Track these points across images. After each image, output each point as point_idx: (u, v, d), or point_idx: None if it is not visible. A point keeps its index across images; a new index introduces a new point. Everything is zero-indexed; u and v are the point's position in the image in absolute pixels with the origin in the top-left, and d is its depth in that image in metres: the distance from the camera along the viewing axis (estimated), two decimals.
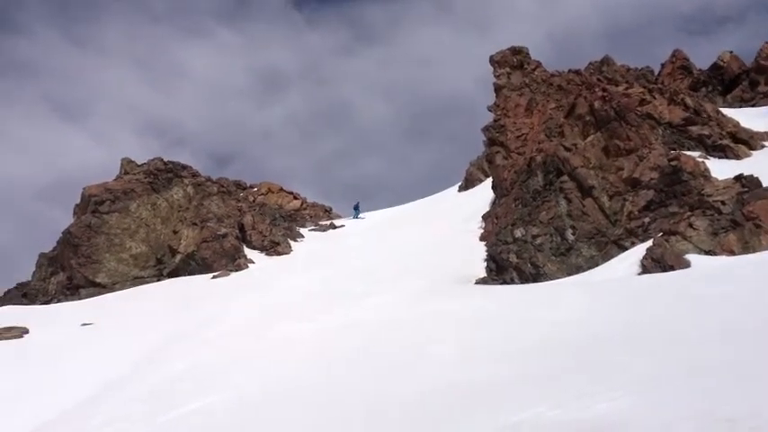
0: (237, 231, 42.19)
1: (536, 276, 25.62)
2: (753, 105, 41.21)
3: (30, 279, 42.23)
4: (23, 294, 40.48)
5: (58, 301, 37.35)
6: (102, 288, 37.72)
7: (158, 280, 38.75)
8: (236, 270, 38.20)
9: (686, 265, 19.66)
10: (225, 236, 40.17)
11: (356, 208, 55.32)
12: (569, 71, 40.80)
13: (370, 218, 54.54)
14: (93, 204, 40.47)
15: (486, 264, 29.26)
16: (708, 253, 20.23)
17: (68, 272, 38.90)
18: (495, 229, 32.51)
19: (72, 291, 38.15)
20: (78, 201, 42.36)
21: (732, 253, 19.75)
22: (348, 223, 52.61)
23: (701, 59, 51.25)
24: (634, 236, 24.59)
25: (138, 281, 38.55)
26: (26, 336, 27.23)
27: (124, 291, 37.14)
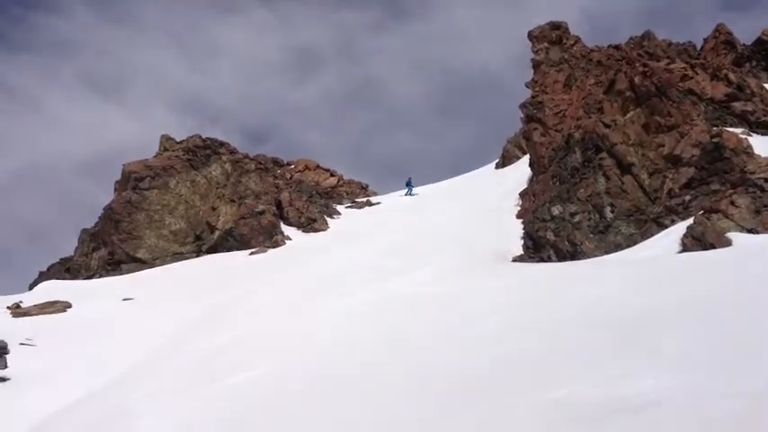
0: (275, 208, 42.44)
1: (573, 254, 25.47)
2: None
3: (72, 254, 43.11)
4: (66, 269, 41.37)
5: (100, 276, 38.03)
6: (142, 264, 38.31)
7: (197, 256, 39.23)
8: (274, 246, 38.49)
9: (727, 243, 19.39)
10: (262, 212, 40.47)
11: (408, 184, 53.93)
12: (609, 46, 40.15)
13: (410, 194, 54.41)
14: (133, 181, 41.01)
15: (523, 241, 29.17)
16: (750, 231, 19.92)
17: (110, 247, 39.58)
18: (532, 206, 32.33)
19: (113, 266, 38.83)
20: (116, 177, 42.99)
21: None
22: (401, 199, 52.20)
23: (741, 35, 49.96)
24: (674, 214, 24.28)
25: (177, 257, 39.08)
26: (69, 310, 27.79)
27: (164, 266, 37.71)
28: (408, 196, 52.31)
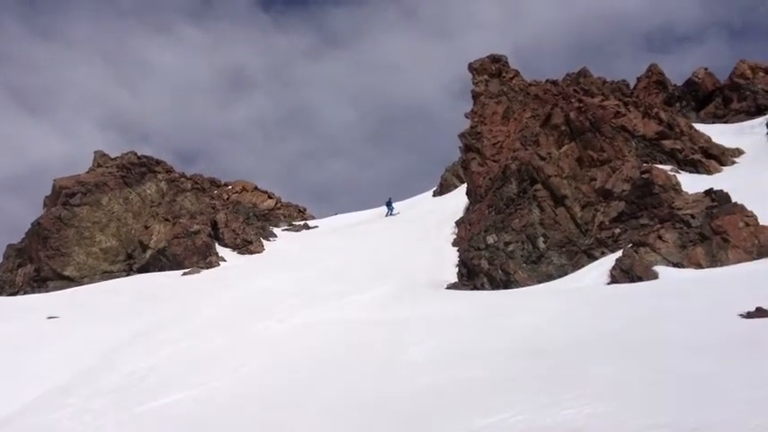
0: (210, 229, 41.86)
1: (507, 283, 25.78)
2: (725, 122, 41.81)
3: None
4: None
5: (25, 293, 36.82)
6: (70, 281, 37.21)
7: (128, 275, 38.31)
8: (208, 267, 37.88)
9: (654, 276, 19.93)
10: (197, 233, 39.83)
11: (389, 204, 53.10)
12: (546, 81, 41.09)
13: (344, 220, 54.32)
14: (63, 196, 39.95)
15: (457, 269, 29.38)
16: (676, 265, 20.51)
17: (36, 264, 38.38)
18: (467, 234, 32.65)
19: (39, 283, 37.63)
20: (41, 193, 41.87)
21: (699, 266, 20.05)
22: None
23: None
24: (604, 246, 24.86)
25: (106, 275, 38.08)
26: None
27: (92, 285, 36.70)
28: (390, 216, 51.37)
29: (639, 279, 20.10)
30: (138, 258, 39.22)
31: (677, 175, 26.32)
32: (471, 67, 41.87)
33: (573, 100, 30.60)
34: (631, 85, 52.76)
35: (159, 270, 38.30)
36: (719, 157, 30.03)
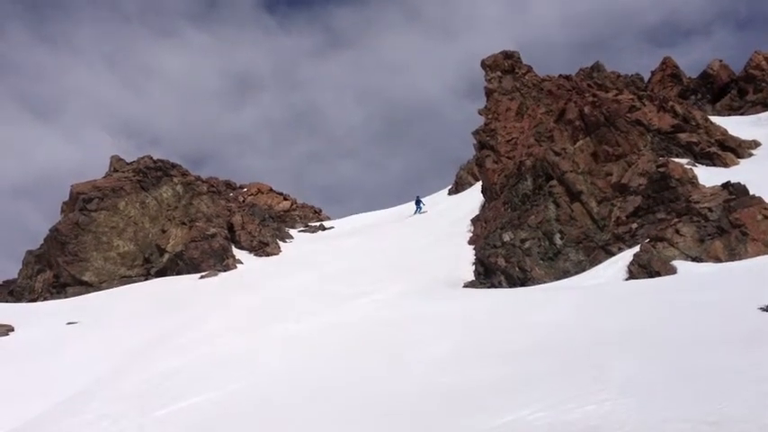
0: (226, 231, 42.04)
1: (524, 280, 25.69)
2: (741, 114, 41.46)
3: (16, 277, 42.00)
4: (9, 292, 40.24)
5: (45, 299, 37.12)
6: (88, 286, 37.51)
7: (145, 279, 38.54)
8: (225, 270, 38.05)
9: (672, 271, 19.79)
10: (213, 235, 40.02)
11: (418, 202, 52.31)
12: (560, 76, 40.93)
13: (359, 220, 54.36)
14: (81, 202, 40.24)
15: (474, 267, 29.32)
16: (694, 259, 20.35)
17: (55, 270, 38.69)
18: (483, 232, 32.58)
19: (58, 289, 37.93)
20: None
21: (718, 260, 19.88)
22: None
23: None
24: (621, 241, 24.71)
25: (125, 280, 38.35)
26: (11, 334, 27.05)
27: (111, 290, 36.94)
28: (419, 214, 50.72)
29: (658, 274, 19.97)
30: (155, 262, 39.45)
31: (694, 168, 26.11)
32: (484, 64, 41.74)
33: (587, 95, 30.44)
34: (645, 79, 52.50)
35: (177, 274, 38.52)
36: (736, 150, 29.74)
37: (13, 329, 27.40)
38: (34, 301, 37.04)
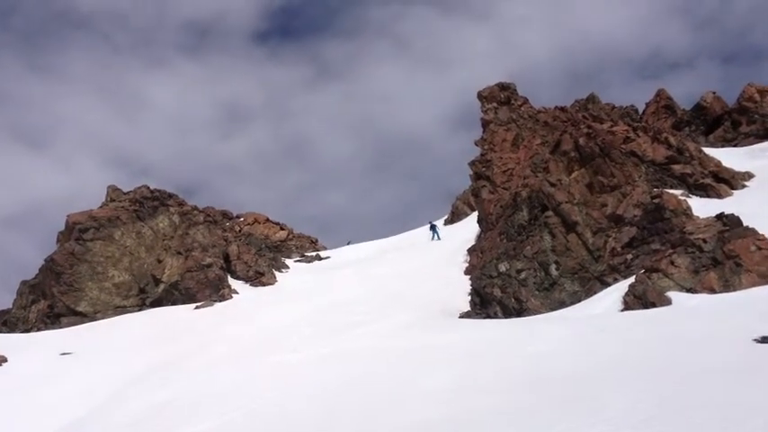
0: (222, 261, 42.00)
1: (519, 311, 25.70)
2: (735, 145, 41.82)
3: (10, 307, 41.79)
4: (3, 323, 39.99)
5: (39, 329, 36.91)
6: (83, 317, 37.30)
7: (140, 309, 38.38)
8: (220, 300, 37.94)
9: (667, 302, 19.82)
10: (209, 265, 39.98)
11: (433, 228, 51.25)
12: (555, 108, 41.31)
13: (357, 249, 54.33)
14: (76, 232, 40.19)
15: (470, 297, 29.33)
16: (689, 290, 20.39)
17: (50, 300, 38.52)
18: (479, 262, 32.63)
19: (53, 319, 37.72)
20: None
21: (713, 291, 19.92)
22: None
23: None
24: (617, 272, 24.78)
25: (119, 310, 38.17)
26: (5, 364, 26.90)
27: (105, 320, 36.78)
28: (436, 240, 49.62)
29: (653, 305, 19.99)
30: (150, 293, 39.33)
31: (688, 199, 26.28)
32: (480, 95, 42.14)
33: (582, 126, 30.71)
34: (640, 111, 52.96)
35: (172, 304, 38.40)
36: (730, 181, 29.95)
37: (6, 360, 27.24)
38: (28, 331, 36.82)
